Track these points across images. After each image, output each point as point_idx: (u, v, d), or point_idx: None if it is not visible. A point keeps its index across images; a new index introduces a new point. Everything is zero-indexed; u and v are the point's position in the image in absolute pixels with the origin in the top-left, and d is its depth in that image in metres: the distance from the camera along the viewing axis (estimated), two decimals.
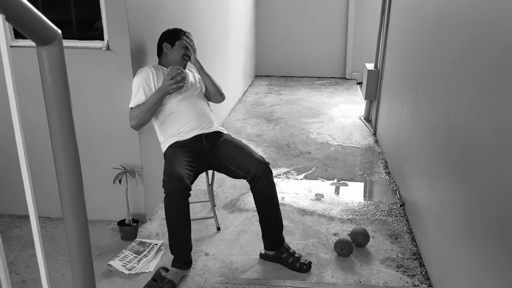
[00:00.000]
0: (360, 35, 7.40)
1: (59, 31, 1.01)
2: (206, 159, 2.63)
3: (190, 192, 2.40)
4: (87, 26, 2.98)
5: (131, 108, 2.58)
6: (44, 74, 0.98)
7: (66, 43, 3.06)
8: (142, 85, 2.58)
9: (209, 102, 2.90)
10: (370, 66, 5.01)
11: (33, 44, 0.96)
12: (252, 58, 7.50)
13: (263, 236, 2.63)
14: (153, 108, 2.55)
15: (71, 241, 1.17)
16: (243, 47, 6.65)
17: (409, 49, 3.45)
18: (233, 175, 2.62)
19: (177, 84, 2.49)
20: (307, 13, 7.58)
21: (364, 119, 5.32)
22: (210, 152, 2.63)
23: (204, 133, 2.67)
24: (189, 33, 2.78)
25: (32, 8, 0.90)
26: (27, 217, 3.09)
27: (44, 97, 1.01)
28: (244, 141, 4.61)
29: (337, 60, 7.74)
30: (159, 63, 2.78)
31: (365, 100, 5.26)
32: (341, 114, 5.67)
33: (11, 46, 2.74)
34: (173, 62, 2.71)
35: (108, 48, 2.70)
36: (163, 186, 2.37)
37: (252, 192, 2.54)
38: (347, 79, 7.70)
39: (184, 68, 2.75)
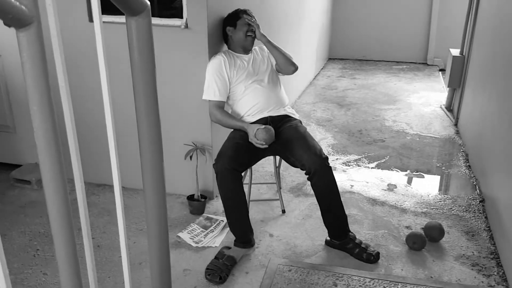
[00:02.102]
0: (445, 18, 6.94)
1: (148, 2, 1.00)
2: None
3: (241, 174, 2.42)
4: (166, 4, 3.02)
5: (209, 100, 2.64)
6: (132, 44, 0.98)
7: None
8: (215, 79, 2.61)
9: (281, 83, 2.84)
10: (455, 51, 4.69)
11: (116, 20, 0.95)
12: (326, 40, 7.30)
13: (326, 227, 2.56)
14: (231, 127, 2.64)
15: (150, 212, 1.19)
16: (317, 28, 6.49)
17: (501, 35, 3.16)
18: (292, 164, 2.56)
19: (259, 144, 2.47)
20: None
21: (445, 108, 5.01)
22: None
23: (270, 116, 2.64)
24: (249, 10, 2.73)
25: None
26: (104, 185, 3.25)
27: (131, 66, 1.01)
28: (313, 126, 4.53)
29: (418, 44, 7.33)
30: (229, 48, 2.79)
31: (448, 88, 4.95)
32: (420, 102, 5.38)
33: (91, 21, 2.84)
34: (239, 43, 2.71)
35: (186, 26, 2.72)
36: (213, 166, 2.43)
37: (310, 185, 2.47)
38: (428, 65, 7.28)
39: (252, 44, 2.74)
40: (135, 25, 0.93)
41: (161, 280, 1.29)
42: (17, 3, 0.69)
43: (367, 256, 2.45)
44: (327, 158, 2.42)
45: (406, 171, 3.58)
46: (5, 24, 0.72)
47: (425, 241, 2.56)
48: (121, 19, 2.73)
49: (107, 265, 2.43)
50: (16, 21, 0.71)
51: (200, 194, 2.91)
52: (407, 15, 7.21)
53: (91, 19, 2.87)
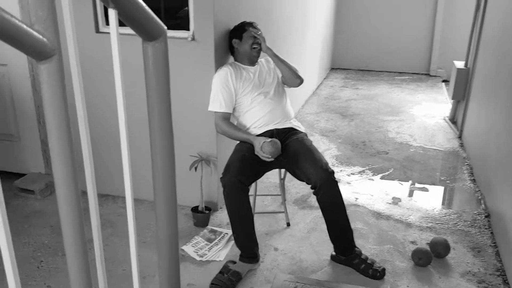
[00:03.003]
0: (449, 29, 6.94)
1: (165, 27, 0.99)
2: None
3: (248, 187, 2.40)
4: (171, 14, 3.02)
5: (215, 112, 2.63)
6: (148, 69, 0.98)
7: None
8: (221, 90, 2.61)
9: (287, 95, 2.84)
10: (459, 64, 4.69)
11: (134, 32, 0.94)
12: (329, 50, 7.31)
13: (332, 242, 2.54)
14: (236, 139, 2.64)
15: (160, 225, 1.18)
16: (321, 38, 6.50)
17: (506, 48, 3.16)
18: (297, 177, 2.55)
19: (265, 157, 2.46)
20: (391, 2, 7.23)
21: (449, 120, 5.01)
22: None
23: (276, 129, 2.63)
24: (255, 23, 2.74)
25: (143, 4, 0.88)
26: (107, 196, 3.23)
27: (146, 90, 1.01)
28: (317, 136, 4.52)
29: (421, 55, 7.33)
30: (235, 60, 2.79)
31: (452, 100, 4.95)
32: (423, 113, 5.37)
33: (98, 32, 2.84)
34: (245, 55, 2.71)
35: (193, 38, 2.72)
36: (220, 179, 2.41)
37: (316, 199, 2.46)
38: (431, 75, 7.28)
39: (257, 57, 2.74)
40: (152, 50, 0.93)
41: None
42: (40, 36, 0.69)
43: (373, 272, 2.43)
44: (333, 172, 2.40)
45: (410, 184, 3.57)
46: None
47: (431, 257, 2.54)
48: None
49: (111, 279, 2.40)
50: (38, 53, 0.70)
51: (205, 206, 2.89)
52: (410, 26, 7.22)
53: (97, 30, 2.87)
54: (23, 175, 3.39)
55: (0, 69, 3.20)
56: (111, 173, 2.90)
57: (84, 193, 3.58)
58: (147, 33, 0.91)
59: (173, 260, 1.21)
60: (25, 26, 0.65)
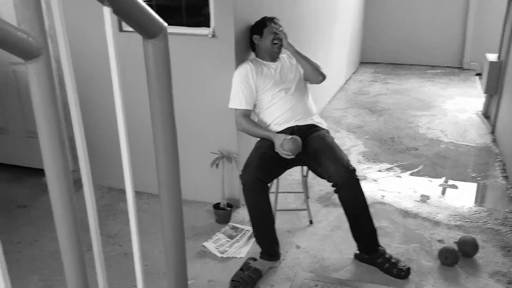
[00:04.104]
0: (482, 21, 6.69)
1: (165, 24, 0.98)
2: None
3: (268, 185, 2.38)
4: (195, 12, 3.02)
5: (235, 109, 2.61)
6: (149, 67, 0.97)
7: (174, 29, 3.11)
8: (241, 87, 2.59)
9: (309, 91, 2.79)
10: (492, 56, 4.51)
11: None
12: (358, 44, 7.17)
13: (355, 240, 2.49)
14: (257, 136, 2.61)
15: (166, 218, 1.17)
16: (349, 31, 6.39)
17: None
18: (319, 175, 2.51)
19: (285, 154, 2.42)
20: None
21: (482, 114, 4.83)
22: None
23: (297, 126, 2.59)
24: (276, 18, 2.69)
25: (139, 1, 0.87)
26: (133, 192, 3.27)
27: (148, 88, 1.01)
28: (344, 133, 4.45)
29: (453, 48, 7.10)
30: (256, 57, 2.76)
31: (485, 94, 4.77)
32: (455, 108, 5.20)
33: (121, 31, 2.87)
34: (266, 51, 2.68)
35: (213, 35, 2.71)
36: (239, 177, 2.39)
37: (338, 197, 2.41)
38: (464, 69, 7.04)
39: (278, 53, 2.70)
40: (152, 48, 0.92)
41: None
42: (24, 36, 0.68)
43: (398, 272, 2.37)
44: (354, 170, 2.35)
45: (440, 181, 3.46)
46: None
47: (458, 256, 2.46)
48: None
49: (132, 275, 2.43)
50: (24, 53, 0.70)
51: (226, 203, 2.89)
52: (442, 18, 7.00)
53: (121, 29, 2.90)
54: None
55: (21, 67, 3.29)
56: (135, 170, 2.93)
57: (110, 189, 3.64)
58: (146, 31, 0.91)
59: (179, 255, 1.20)
60: (7, 26, 0.65)
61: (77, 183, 3.40)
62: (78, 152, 0.94)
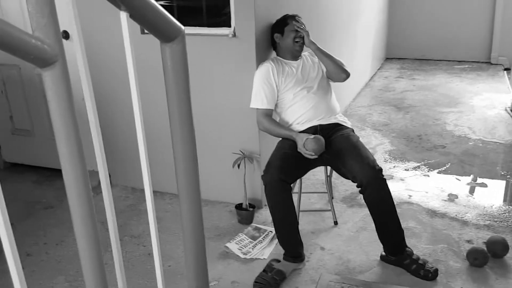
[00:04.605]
0: (510, 15, 6.48)
1: (182, 27, 0.97)
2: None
3: (291, 185, 2.36)
4: (217, 12, 3.01)
5: (257, 109, 2.59)
6: (167, 70, 0.96)
7: (195, 30, 3.10)
8: (262, 87, 2.56)
9: (332, 90, 2.75)
10: None
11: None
12: (383, 39, 7.05)
13: (381, 241, 2.44)
14: (279, 136, 2.58)
15: (186, 219, 1.16)
16: (374, 26, 6.28)
17: None
18: (343, 175, 2.46)
19: (308, 154, 2.38)
20: None
21: (511, 111, 4.68)
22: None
23: (320, 125, 2.55)
24: (298, 16, 2.65)
25: (156, 5, 0.86)
26: (155, 192, 3.29)
27: (166, 92, 1.00)
28: (369, 131, 4.37)
29: (481, 42, 6.90)
30: (278, 55, 2.73)
31: None
32: (483, 104, 5.05)
33: (143, 33, 2.88)
34: (287, 49, 2.64)
35: (234, 35, 2.69)
36: (261, 177, 2.37)
37: (363, 198, 2.35)
38: (492, 64, 6.84)
39: (300, 51, 2.65)
40: (169, 52, 0.91)
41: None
42: (39, 43, 0.67)
43: (425, 273, 2.31)
44: (381, 169, 2.29)
45: (468, 179, 3.36)
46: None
47: (487, 257, 2.39)
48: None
49: (155, 274, 2.45)
50: (39, 61, 0.69)
51: (249, 203, 2.87)
52: (470, 11, 6.81)
53: (142, 31, 2.91)
54: None
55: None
56: (160, 171, 2.95)
57: (134, 189, 3.66)
58: (163, 35, 0.89)
59: (199, 255, 1.18)
60: (21, 34, 0.64)
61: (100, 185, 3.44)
62: (96, 152, 0.93)
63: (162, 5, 0.95)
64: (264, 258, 2.53)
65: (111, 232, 1.06)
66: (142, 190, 3.31)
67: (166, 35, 0.90)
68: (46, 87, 0.73)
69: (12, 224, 0.84)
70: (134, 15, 0.82)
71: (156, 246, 1.12)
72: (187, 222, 1.14)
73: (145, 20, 0.86)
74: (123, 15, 0.80)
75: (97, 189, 3.30)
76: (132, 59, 0.85)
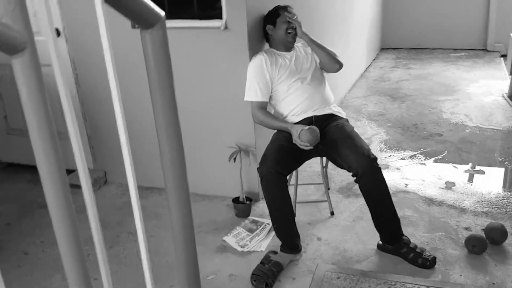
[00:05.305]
0: (505, 1, 6.46)
1: (162, 13, 0.96)
2: None
3: (286, 177, 2.35)
4: (209, 5, 2.98)
5: (251, 101, 2.57)
6: (147, 57, 0.95)
7: (186, 23, 3.07)
8: (256, 79, 2.54)
9: (326, 80, 2.73)
10: None
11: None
12: (378, 29, 7.02)
13: (378, 230, 2.43)
14: (274, 128, 2.56)
15: (174, 214, 1.15)
16: (368, 16, 6.25)
17: None
18: (338, 165, 2.45)
19: (303, 145, 2.37)
20: None
21: (508, 97, 4.66)
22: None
23: (315, 116, 2.53)
24: (290, 7, 2.63)
25: None
26: (153, 188, 3.28)
27: (148, 80, 0.98)
28: (365, 121, 4.36)
29: (477, 30, 6.88)
30: (270, 47, 2.71)
31: (510, 76, 4.60)
32: (480, 91, 5.04)
33: (134, 28, 2.85)
34: (280, 40, 2.62)
35: (226, 27, 2.67)
36: (257, 170, 2.36)
37: (359, 187, 2.35)
38: (488, 51, 6.82)
39: (293, 42, 2.64)
40: (149, 38, 0.89)
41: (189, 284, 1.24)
42: (7, 30, 0.66)
43: (423, 261, 2.30)
44: (376, 158, 2.28)
45: (466, 167, 3.35)
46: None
47: (486, 244, 2.38)
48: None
49: (154, 269, 2.44)
50: (7, 48, 0.68)
51: (246, 197, 2.87)
52: None
53: (133, 25, 2.89)
54: (73, 171, 3.50)
55: (45, 69, 3.31)
56: (157, 167, 2.93)
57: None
58: (142, 21, 0.87)
59: (189, 250, 1.17)
60: None
61: (97, 182, 3.43)
62: (73, 145, 0.91)
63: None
64: (261, 251, 2.53)
65: (93, 228, 1.04)
66: (138, 187, 3.31)
67: (144, 21, 0.88)
68: (16, 76, 0.72)
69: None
70: (109, 0, 0.80)
71: (141, 234, 1.10)
72: (176, 214, 1.12)
73: (121, 5, 0.84)
74: (97, 0, 0.78)
75: (92, 186, 3.31)
76: (109, 49, 0.83)
